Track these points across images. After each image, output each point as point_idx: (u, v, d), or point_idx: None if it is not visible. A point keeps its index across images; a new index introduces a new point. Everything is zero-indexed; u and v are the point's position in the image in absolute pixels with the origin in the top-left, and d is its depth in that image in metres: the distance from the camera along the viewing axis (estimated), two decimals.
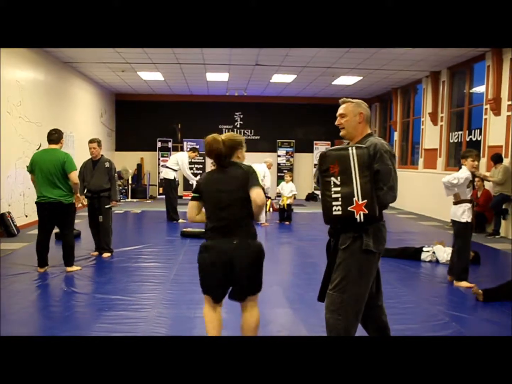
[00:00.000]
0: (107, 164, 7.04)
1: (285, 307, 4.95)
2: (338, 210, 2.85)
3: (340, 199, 2.84)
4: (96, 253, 7.07)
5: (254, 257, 3.30)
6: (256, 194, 3.17)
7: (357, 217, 2.82)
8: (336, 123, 3.16)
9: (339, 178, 2.85)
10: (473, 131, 11.03)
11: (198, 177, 12.03)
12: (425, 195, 12.68)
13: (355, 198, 2.81)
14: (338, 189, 2.85)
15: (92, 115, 14.57)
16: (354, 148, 2.86)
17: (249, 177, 3.23)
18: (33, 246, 6.34)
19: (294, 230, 10.23)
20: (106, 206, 6.99)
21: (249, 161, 14.28)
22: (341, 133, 3.15)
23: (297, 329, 4.29)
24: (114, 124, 17.13)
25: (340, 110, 3.12)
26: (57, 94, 11.54)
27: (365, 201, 2.80)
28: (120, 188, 15.91)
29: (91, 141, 7.02)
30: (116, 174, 7.25)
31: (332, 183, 2.86)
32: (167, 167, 11.15)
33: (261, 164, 11.00)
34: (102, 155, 7.17)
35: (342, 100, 3.17)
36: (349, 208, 2.82)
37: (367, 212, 2.81)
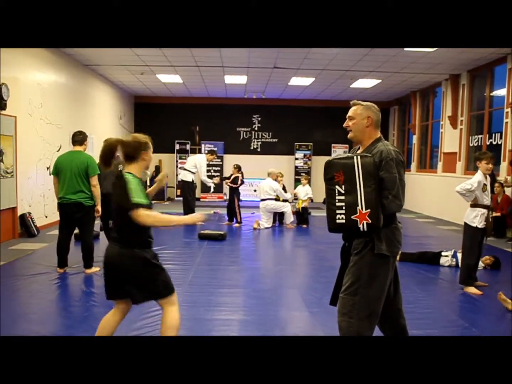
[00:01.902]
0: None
1: (302, 310, 4.94)
2: (342, 218, 2.85)
3: (343, 207, 2.84)
4: None
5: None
6: None
7: (360, 226, 2.81)
8: (344, 125, 3.17)
9: (343, 186, 2.85)
10: (493, 134, 10.91)
11: (214, 179, 12.04)
12: (444, 199, 12.56)
13: (359, 207, 2.81)
14: (342, 197, 2.85)
15: (111, 117, 14.71)
16: (359, 157, 2.87)
17: None
18: (53, 246, 6.43)
19: (311, 233, 10.20)
20: None
21: (267, 164, 14.14)
22: (348, 136, 3.17)
23: (314, 332, 4.28)
24: (133, 126, 17.26)
25: (349, 113, 3.14)
26: (77, 96, 11.67)
27: (369, 210, 2.80)
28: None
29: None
30: None
31: (336, 192, 2.87)
32: (185, 169, 11.20)
33: (266, 179, 10.97)
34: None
35: (353, 102, 3.18)
36: (352, 217, 2.82)
37: (370, 221, 2.80)
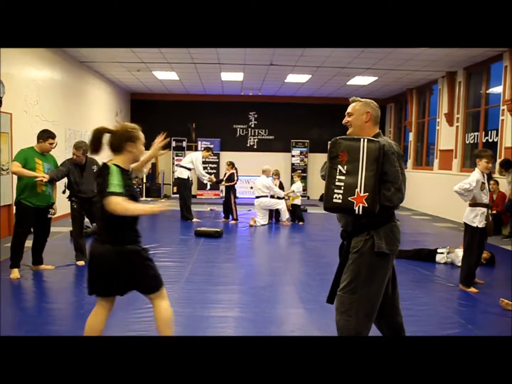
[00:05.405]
0: (95, 168, 6.48)
1: (298, 307, 4.95)
2: (339, 198, 2.85)
3: (342, 187, 2.85)
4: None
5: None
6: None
7: (356, 208, 2.81)
8: (343, 121, 3.17)
9: (345, 167, 2.85)
10: (489, 132, 10.92)
11: (208, 176, 11.97)
12: (440, 196, 12.58)
13: (357, 190, 2.81)
14: (343, 177, 2.85)
15: (107, 114, 14.66)
16: (366, 140, 2.85)
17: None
18: (49, 243, 6.38)
19: (307, 231, 10.21)
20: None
21: (263, 161, 14.04)
22: (348, 132, 3.15)
23: (310, 329, 4.29)
24: (129, 123, 17.20)
25: (348, 109, 3.14)
26: (73, 93, 11.62)
27: (367, 194, 2.80)
28: (135, 186, 16.00)
29: (77, 148, 6.40)
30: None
31: (337, 171, 2.87)
32: (181, 166, 11.18)
33: (260, 177, 10.93)
34: (86, 157, 6.53)
35: (352, 99, 3.19)
36: (349, 198, 2.82)
37: (366, 205, 2.80)
